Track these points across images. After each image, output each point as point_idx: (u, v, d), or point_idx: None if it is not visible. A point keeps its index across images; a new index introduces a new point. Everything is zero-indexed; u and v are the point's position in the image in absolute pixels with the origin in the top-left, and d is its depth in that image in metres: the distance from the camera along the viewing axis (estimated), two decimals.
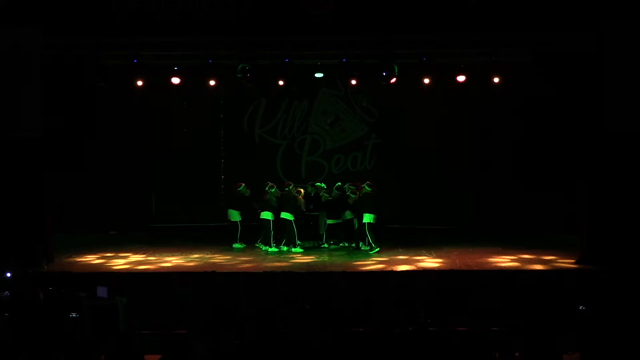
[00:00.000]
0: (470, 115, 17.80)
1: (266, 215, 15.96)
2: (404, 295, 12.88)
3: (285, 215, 15.83)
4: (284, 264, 14.48)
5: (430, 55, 15.14)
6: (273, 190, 16.09)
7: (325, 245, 16.42)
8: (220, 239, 16.87)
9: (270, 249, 15.88)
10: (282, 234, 16.06)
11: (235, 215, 16.48)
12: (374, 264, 14.36)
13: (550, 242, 16.10)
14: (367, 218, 15.52)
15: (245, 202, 16.48)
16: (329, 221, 16.41)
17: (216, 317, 11.59)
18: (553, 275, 13.48)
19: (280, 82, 16.59)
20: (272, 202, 15.98)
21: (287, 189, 16.10)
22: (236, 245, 16.34)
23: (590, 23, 13.90)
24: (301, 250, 15.86)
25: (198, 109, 18.14)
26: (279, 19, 14.35)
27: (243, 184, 16.49)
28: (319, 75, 16.66)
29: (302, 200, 16.10)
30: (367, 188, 15.66)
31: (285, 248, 15.94)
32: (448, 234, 17.27)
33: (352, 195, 15.94)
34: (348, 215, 16.24)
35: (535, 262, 14.34)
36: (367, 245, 15.62)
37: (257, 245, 16.25)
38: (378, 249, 15.42)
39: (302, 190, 16.31)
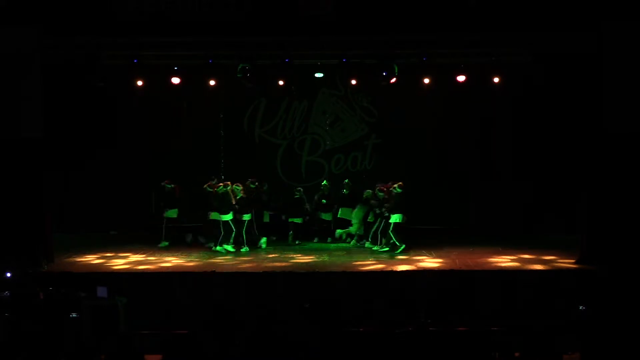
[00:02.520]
0: (470, 115, 17.81)
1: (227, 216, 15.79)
2: (404, 295, 12.89)
3: (225, 217, 15.67)
4: (284, 264, 14.48)
5: (430, 55, 15.14)
6: (228, 188, 15.89)
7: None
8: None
9: (217, 248, 15.70)
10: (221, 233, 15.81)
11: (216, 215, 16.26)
12: (374, 264, 14.36)
13: (550, 242, 16.09)
14: (395, 218, 15.45)
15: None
16: (296, 220, 16.77)
17: (216, 317, 11.59)
18: (553, 275, 13.49)
19: (280, 82, 16.64)
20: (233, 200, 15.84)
21: (225, 188, 15.82)
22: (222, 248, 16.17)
23: (590, 23, 13.90)
24: (233, 249, 15.63)
25: (198, 109, 18.13)
26: (279, 18, 14.34)
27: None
28: (319, 75, 16.69)
29: (235, 197, 15.82)
30: (397, 189, 15.54)
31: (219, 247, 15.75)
32: (448, 234, 17.26)
33: (380, 193, 15.86)
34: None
35: (535, 262, 14.34)
36: (387, 245, 15.56)
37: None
38: (403, 247, 15.38)
39: (240, 186, 16.05)
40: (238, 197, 15.87)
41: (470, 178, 17.99)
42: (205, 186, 16.03)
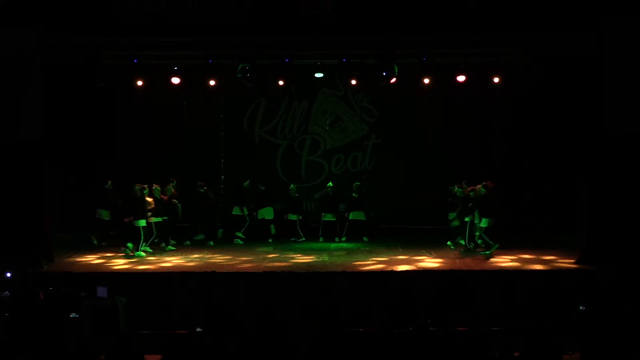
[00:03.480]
0: (470, 115, 17.80)
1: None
2: (404, 295, 12.89)
3: (140, 222, 15.54)
4: (284, 264, 14.48)
5: (430, 55, 15.16)
6: (146, 191, 15.77)
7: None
8: (220, 239, 16.94)
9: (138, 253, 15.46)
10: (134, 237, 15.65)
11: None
12: (373, 264, 14.36)
13: (550, 242, 16.08)
14: (484, 222, 15.12)
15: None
16: (293, 217, 17.04)
17: (216, 317, 11.60)
18: (553, 275, 13.48)
19: (280, 82, 16.65)
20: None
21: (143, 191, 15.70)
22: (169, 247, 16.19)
23: (590, 23, 13.91)
24: (144, 255, 15.39)
25: (198, 109, 18.13)
26: (279, 19, 14.35)
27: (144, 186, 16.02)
28: (319, 75, 16.69)
29: (150, 201, 15.72)
30: (482, 190, 15.31)
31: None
32: (448, 234, 17.23)
33: (458, 190, 15.76)
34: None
35: (535, 262, 14.33)
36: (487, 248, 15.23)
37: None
38: (496, 246, 14.98)
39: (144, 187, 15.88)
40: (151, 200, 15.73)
41: (470, 178, 17.94)
42: (137, 188, 15.77)
